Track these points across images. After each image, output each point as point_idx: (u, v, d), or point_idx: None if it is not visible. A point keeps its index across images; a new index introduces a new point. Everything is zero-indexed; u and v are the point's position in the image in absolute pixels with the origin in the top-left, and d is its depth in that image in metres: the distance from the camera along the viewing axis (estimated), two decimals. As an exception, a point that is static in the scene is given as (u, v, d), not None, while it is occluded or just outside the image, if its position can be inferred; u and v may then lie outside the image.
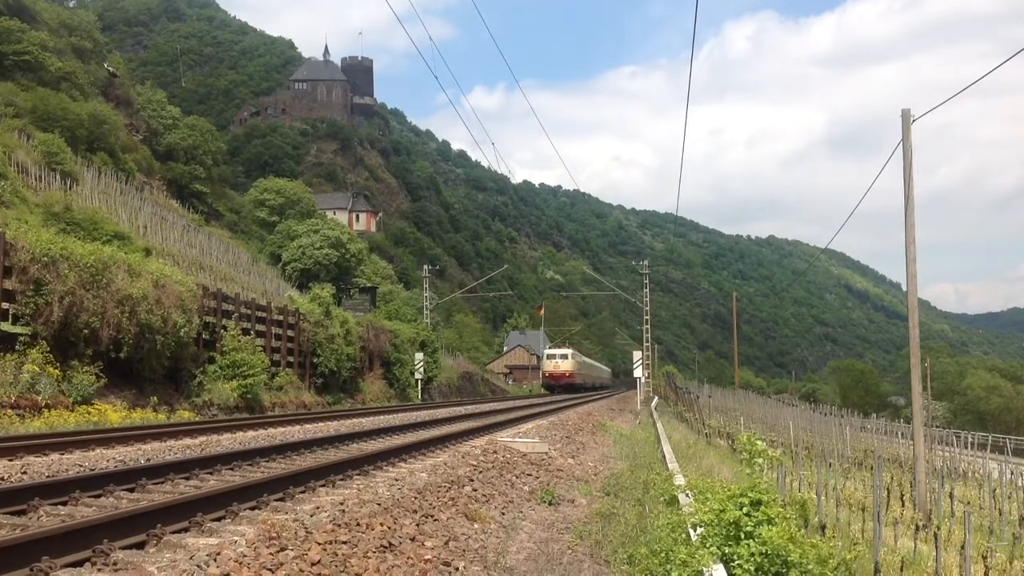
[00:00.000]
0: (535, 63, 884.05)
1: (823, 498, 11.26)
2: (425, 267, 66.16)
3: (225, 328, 24.43)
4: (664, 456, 15.01)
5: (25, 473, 9.05)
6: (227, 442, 13.21)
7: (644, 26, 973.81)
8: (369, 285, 60.30)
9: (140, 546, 5.99)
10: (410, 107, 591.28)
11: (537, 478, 12.23)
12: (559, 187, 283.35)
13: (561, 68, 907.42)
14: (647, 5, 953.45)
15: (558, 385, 70.27)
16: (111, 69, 71.11)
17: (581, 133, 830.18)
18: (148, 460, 10.42)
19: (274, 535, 6.24)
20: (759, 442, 7.20)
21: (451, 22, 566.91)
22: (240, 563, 5.47)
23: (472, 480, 10.78)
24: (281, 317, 28.82)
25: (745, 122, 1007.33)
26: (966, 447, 39.14)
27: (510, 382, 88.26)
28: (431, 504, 8.70)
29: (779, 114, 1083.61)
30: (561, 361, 71.82)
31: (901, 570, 8.76)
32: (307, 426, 17.37)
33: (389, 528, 7.20)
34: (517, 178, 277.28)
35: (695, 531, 6.51)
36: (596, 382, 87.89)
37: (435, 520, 8.06)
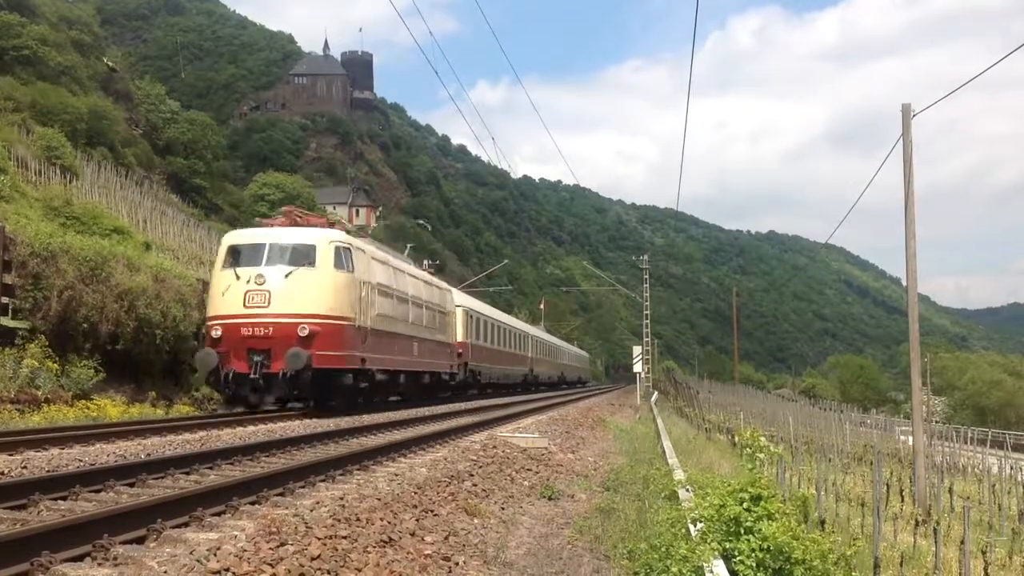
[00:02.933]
0: (539, 58, 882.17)
1: (823, 493, 11.27)
2: (425, 262, 66.02)
3: (225, 323, 24.19)
4: (664, 451, 15.04)
5: (25, 468, 9.04)
6: (227, 437, 13.20)
7: (648, 20, 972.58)
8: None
9: (140, 541, 5.98)
10: (413, 102, 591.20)
11: (537, 473, 12.24)
12: (559, 182, 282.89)
13: (565, 62, 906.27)
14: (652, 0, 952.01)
15: (257, 379, 17.08)
16: (110, 63, 71.06)
17: (584, 128, 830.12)
18: (148, 455, 10.42)
19: (274, 530, 6.24)
20: (762, 438, 7.21)
21: (455, 16, 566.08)
22: (240, 558, 5.47)
23: (472, 475, 10.78)
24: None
25: (748, 117, 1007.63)
26: (966, 442, 39.17)
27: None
28: (431, 499, 8.70)
29: (782, 109, 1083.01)
30: (269, 274, 17.47)
31: (901, 565, 8.76)
32: (307, 421, 17.36)
33: (389, 523, 7.20)
34: (520, 173, 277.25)
35: (695, 526, 6.52)
36: (521, 373, 45.55)
37: (435, 515, 8.07)
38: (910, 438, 22.10)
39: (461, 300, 33.37)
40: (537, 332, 55.76)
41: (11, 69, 51.99)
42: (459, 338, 30.99)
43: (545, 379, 55.85)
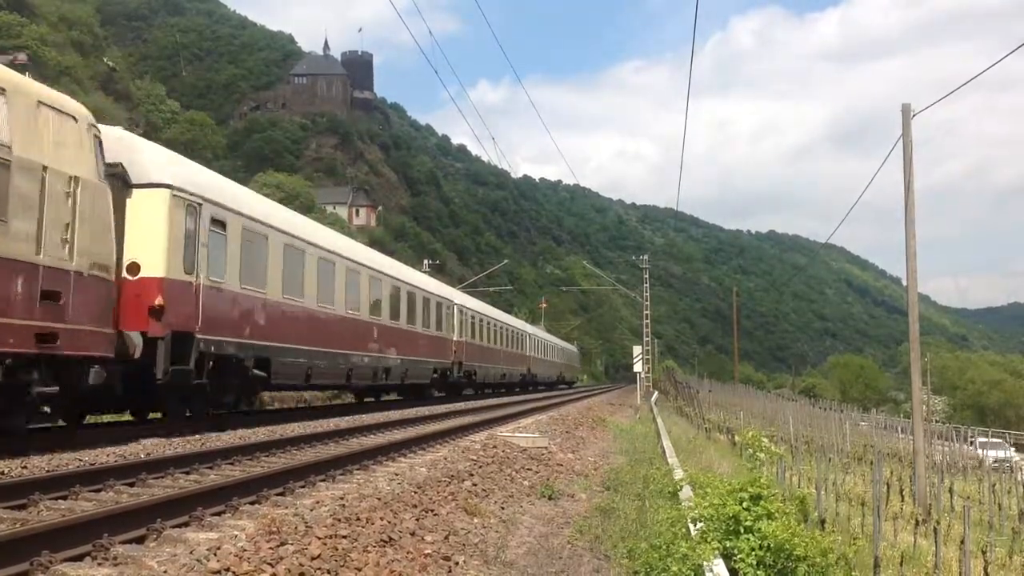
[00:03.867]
0: (541, 57, 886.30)
1: (823, 493, 11.26)
2: (425, 262, 66.08)
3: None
4: (664, 451, 15.03)
5: (25, 468, 9.05)
6: (227, 437, 13.21)
7: (649, 20, 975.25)
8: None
9: (140, 540, 5.99)
10: (415, 102, 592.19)
11: (537, 473, 12.23)
12: (559, 182, 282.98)
13: (567, 62, 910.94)
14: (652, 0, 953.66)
15: None
16: (111, 63, 71.10)
17: (586, 128, 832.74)
18: (148, 455, 10.42)
19: (274, 529, 6.24)
20: (765, 439, 7.20)
21: (457, 16, 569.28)
22: (240, 557, 5.47)
23: (472, 475, 10.78)
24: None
25: (749, 116, 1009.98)
26: (966, 442, 39.16)
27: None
28: (431, 499, 8.70)
29: (783, 109, 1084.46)
30: None
31: (901, 564, 8.76)
32: (307, 421, 17.38)
33: (389, 523, 7.20)
34: (520, 173, 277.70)
35: (695, 526, 6.52)
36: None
37: (435, 515, 8.07)
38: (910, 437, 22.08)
39: (200, 179, 14.82)
40: (439, 288, 31.27)
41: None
42: (150, 268, 12.88)
43: (492, 379, 38.15)
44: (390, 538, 6.72)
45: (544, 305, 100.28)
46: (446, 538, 7.25)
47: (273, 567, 5.41)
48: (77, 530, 5.59)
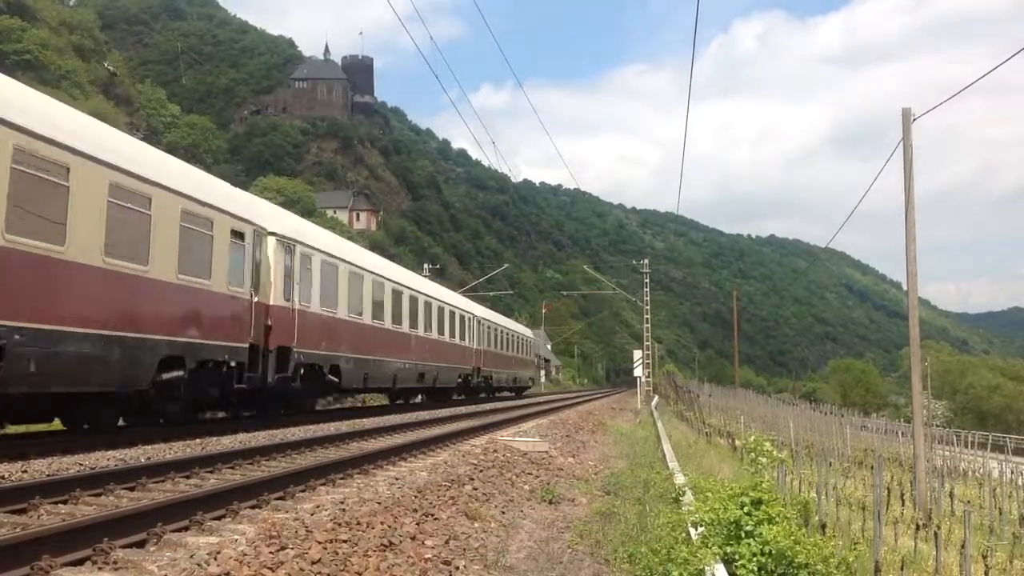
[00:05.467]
0: (544, 61, 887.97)
1: (823, 497, 11.25)
2: (425, 266, 66.08)
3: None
4: (664, 455, 15.01)
5: (26, 472, 9.04)
6: (227, 441, 13.20)
7: (652, 24, 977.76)
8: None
9: (140, 545, 5.99)
10: (416, 106, 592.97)
11: (537, 477, 12.22)
12: (559, 186, 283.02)
13: (570, 66, 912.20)
14: (654, 2, 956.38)
15: None
16: (112, 68, 71.24)
17: (588, 131, 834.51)
18: (149, 459, 10.41)
19: (274, 534, 6.24)
20: (767, 443, 7.19)
21: (460, 20, 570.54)
22: (240, 562, 5.46)
23: (472, 479, 10.77)
24: (281, 316, 28.56)
25: (751, 120, 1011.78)
26: (966, 446, 39.13)
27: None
28: (431, 503, 8.69)
29: (785, 112, 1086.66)
30: None
31: (902, 569, 8.75)
32: (307, 425, 17.37)
33: (389, 527, 7.20)
34: (522, 177, 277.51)
35: (695, 530, 6.51)
36: None
37: (435, 519, 8.06)
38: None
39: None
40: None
41: (12, 74, 52.00)
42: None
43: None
44: (390, 542, 6.71)
45: (547, 309, 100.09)
46: (446, 542, 7.24)
47: (273, 571, 5.40)
48: (77, 534, 5.59)
